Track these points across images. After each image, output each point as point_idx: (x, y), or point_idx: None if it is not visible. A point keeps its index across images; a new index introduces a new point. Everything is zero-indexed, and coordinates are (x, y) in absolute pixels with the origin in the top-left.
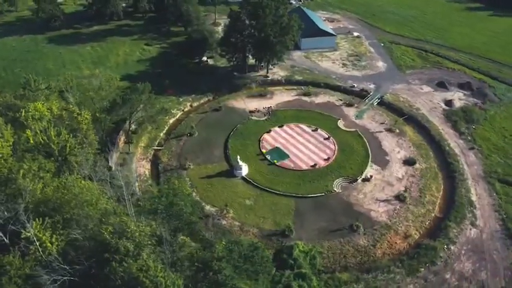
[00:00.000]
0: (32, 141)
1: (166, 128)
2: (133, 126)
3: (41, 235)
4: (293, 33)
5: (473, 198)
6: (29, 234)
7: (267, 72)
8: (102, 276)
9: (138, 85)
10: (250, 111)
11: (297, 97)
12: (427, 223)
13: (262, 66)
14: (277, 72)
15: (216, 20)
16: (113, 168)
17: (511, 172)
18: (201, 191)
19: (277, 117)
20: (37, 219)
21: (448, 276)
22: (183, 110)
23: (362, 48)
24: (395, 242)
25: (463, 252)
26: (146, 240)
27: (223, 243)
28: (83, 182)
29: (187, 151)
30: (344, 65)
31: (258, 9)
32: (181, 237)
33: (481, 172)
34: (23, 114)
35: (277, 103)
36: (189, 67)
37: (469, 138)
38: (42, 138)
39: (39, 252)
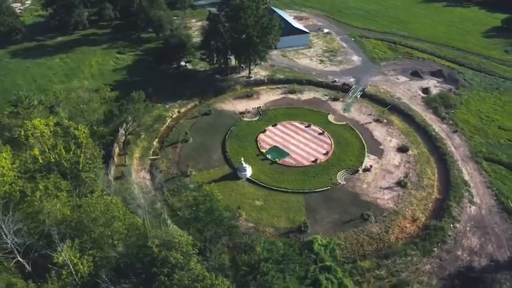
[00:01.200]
0: (41, 161)
1: (158, 135)
2: (129, 137)
3: (73, 258)
4: (275, 33)
5: (466, 177)
6: (61, 258)
7: (249, 73)
8: None
9: (133, 94)
10: (241, 113)
11: (283, 95)
12: (430, 205)
13: (243, 67)
14: (259, 72)
15: (187, 24)
16: (112, 182)
17: (494, 151)
18: None
19: (269, 117)
20: (67, 241)
21: (459, 253)
22: (171, 117)
23: (335, 44)
24: (405, 226)
25: (468, 229)
26: (191, 249)
27: (262, 244)
28: (108, 197)
29: (186, 157)
30: (321, 61)
31: (239, 11)
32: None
33: (467, 153)
34: (22, 133)
35: (265, 103)
36: (168, 73)
37: (451, 122)
38: (53, 157)
39: (73, 276)
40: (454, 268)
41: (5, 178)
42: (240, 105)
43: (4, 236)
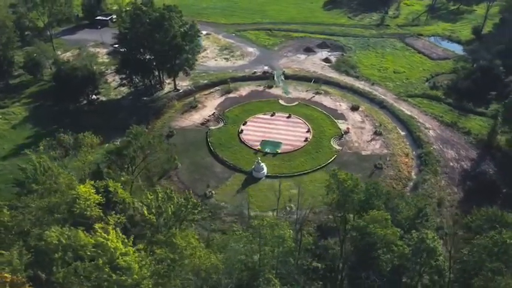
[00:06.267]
0: (153, 220)
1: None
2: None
3: None
4: (197, 39)
5: (409, 113)
6: None
7: (176, 86)
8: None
9: (132, 129)
10: (202, 124)
11: (224, 97)
12: (405, 140)
13: (163, 82)
14: (179, 83)
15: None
16: None
17: (407, 89)
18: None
19: (232, 119)
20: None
21: (451, 164)
22: None
23: (223, 42)
24: (406, 162)
25: (441, 146)
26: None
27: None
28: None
29: (190, 183)
30: (226, 59)
31: (163, 22)
32: None
33: (394, 96)
34: (83, 205)
35: (215, 107)
36: (85, 111)
37: (364, 78)
38: (171, 210)
39: None
40: (458, 176)
41: (131, 257)
42: (195, 118)
43: None
